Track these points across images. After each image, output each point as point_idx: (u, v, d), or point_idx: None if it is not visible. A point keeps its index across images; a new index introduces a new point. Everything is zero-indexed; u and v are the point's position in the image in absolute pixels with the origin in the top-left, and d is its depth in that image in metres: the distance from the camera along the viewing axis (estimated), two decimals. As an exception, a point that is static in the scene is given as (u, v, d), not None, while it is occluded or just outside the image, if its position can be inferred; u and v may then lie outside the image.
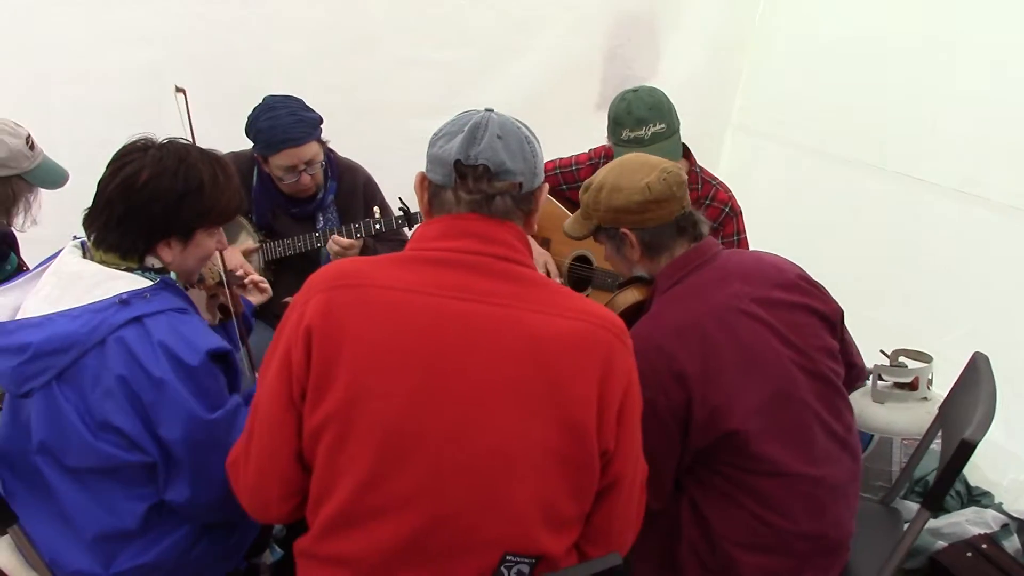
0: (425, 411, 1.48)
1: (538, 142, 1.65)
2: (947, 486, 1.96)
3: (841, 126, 3.92)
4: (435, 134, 1.63)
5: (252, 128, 2.93)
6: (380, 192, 3.24)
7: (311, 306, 1.53)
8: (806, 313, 2.08)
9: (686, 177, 2.14)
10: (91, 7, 3.47)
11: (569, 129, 3.74)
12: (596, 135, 3.34)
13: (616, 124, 2.83)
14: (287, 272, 3.12)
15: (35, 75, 3.46)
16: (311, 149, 2.95)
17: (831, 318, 2.13)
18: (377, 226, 2.98)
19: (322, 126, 3.01)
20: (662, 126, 2.77)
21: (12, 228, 2.65)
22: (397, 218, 2.99)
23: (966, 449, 1.86)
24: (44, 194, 2.83)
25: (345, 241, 2.97)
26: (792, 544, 2.00)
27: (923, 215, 3.57)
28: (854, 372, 2.25)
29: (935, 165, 3.45)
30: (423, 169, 1.65)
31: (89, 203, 1.95)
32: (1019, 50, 3.12)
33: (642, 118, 2.76)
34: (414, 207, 2.93)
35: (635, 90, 2.86)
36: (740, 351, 1.96)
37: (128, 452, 1.82)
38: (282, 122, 2.88)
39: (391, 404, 1.48)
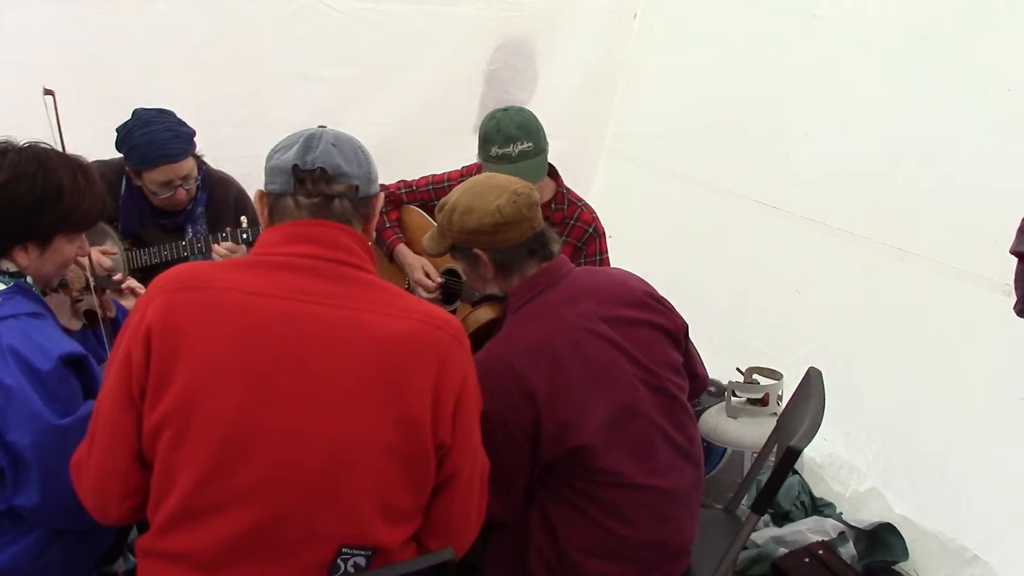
0: (262, 409, 1.53)
1: (369, 154, 1.74)
2: (774, 490, 2.08)
3: (705, 152, 4.09)
4: (272, 150, 1.72)
5: (126, 143, 2.90)
6: (252, 205, 3.24)
7: (152, 307, 1.57)
8: (651, 329, 2.18)
9: (538, 197, 2.21)
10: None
11: (447, 149, 3.79)
12: (474, 155, 3.44)
13: (485, 141, 2.90)
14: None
15: None
16: (187, 164, 2.95)
17: (675, 333, 2.23)
18: (244, 235, 2.99)
19: (195, 139, 3.00)
20: (529, 144, 2.85)
21: None
22: (259, 228, 3.00)
23: (791, 455, 1.99)
24: None
25: (228, 246, 2.96)
26: (635, 551, 2.10)
27: (776, 240, 3.76)
28: (697, 382, 2.37)
29: (788, 192, 3.65)
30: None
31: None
32: (863, 90, 3.33)
33: (510, 136, 2.84)
34: None
35: (505, 109, 2.94)
36: (588, 369, 2.05)
37: None
38: (158, 138, 2.87)
39: (228, 402, 1.53)
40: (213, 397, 1.52)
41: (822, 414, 2.19)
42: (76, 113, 3.25)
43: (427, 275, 3.14)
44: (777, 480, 2.05)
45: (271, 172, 1.70)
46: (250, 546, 1.54)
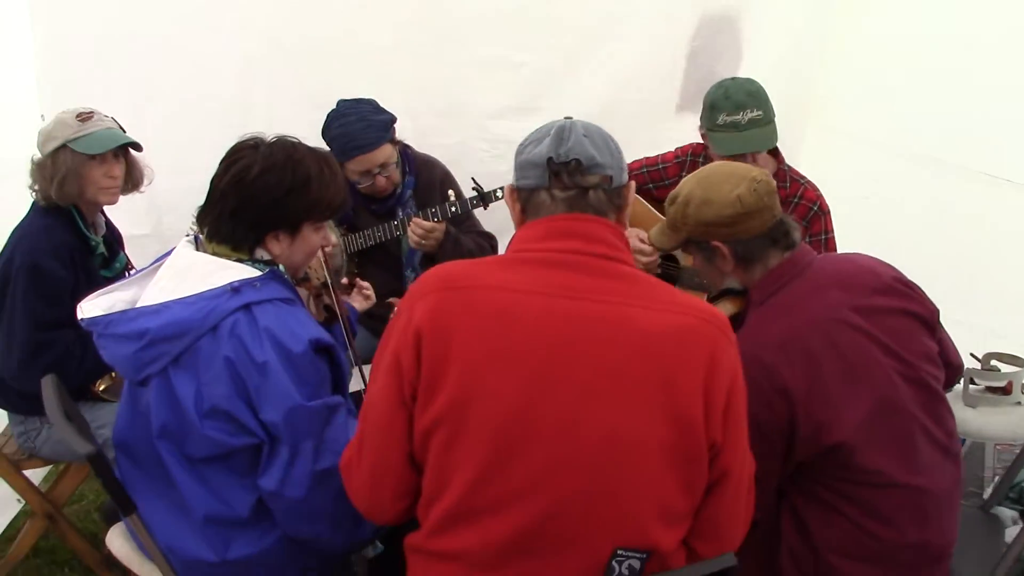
0: (537, 407, 1.51)
1: (618, 145, 1.69)
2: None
3: (925, 124, 3.84)
4: (521, 144, 1.69)
5: (326, 134, 2.99)
6: (457, 184, 3.25)
7: (419, 309, 1.57)
8: (904, 317, 2.06)
9: (775, 184, 2.12)
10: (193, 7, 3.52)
11: (650, 132, 3.76)
12: (677, 137, 3.35)
13: (712, 109, 2.83)
14: (370, 265, 3.17)
15: (136, 79, 3.52)
16: (383, 153, 3.00)
17: (929, 320, 2.11)
18: (453, 208, 3.01)
19: (396, 125, 3.04)
20: (759, 112, 2.77)
21: (102, 204, 2.78)
22: (471, 199, 3.02)
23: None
24: (139, 198, 2.92)
25: (427, 224, 3.00)
26: (896, 554, 1.99)
27: (1009, 215, 3.52)
28: (951, 371, 2.22)
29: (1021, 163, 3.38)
30: (510, 182, 1.71)
31: (191, 205, 2.03)
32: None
33: (740, 103, 2.77)
34: (487, 187, 2.98)
35: (733, 78, 2.90)
36: (842, 364, 1.95)
37: (233, 436, 1.87)
38: (351, 129, 2.94)
39: (503, 401, 1.51)
40: (486, 398, 1.51)
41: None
42: (290, 102, 3.38)
43: (641, 240, 3.04)
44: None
45: (522, 167, 1.67)
46: (525, 545, 1.52)
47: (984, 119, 3.57)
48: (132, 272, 2.14)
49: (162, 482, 1.96)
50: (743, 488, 1.69)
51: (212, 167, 2.01)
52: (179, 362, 1.87)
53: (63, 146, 2.62)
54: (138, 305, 1.93)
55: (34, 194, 2.69)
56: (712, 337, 1.57)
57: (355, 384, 2.28)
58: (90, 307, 1.95)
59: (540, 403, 1.51)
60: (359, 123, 2.95)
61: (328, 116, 3.02)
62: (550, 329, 1.53)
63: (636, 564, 1.54)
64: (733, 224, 2.05)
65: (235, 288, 1.87)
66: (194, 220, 2.67)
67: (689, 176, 2.18)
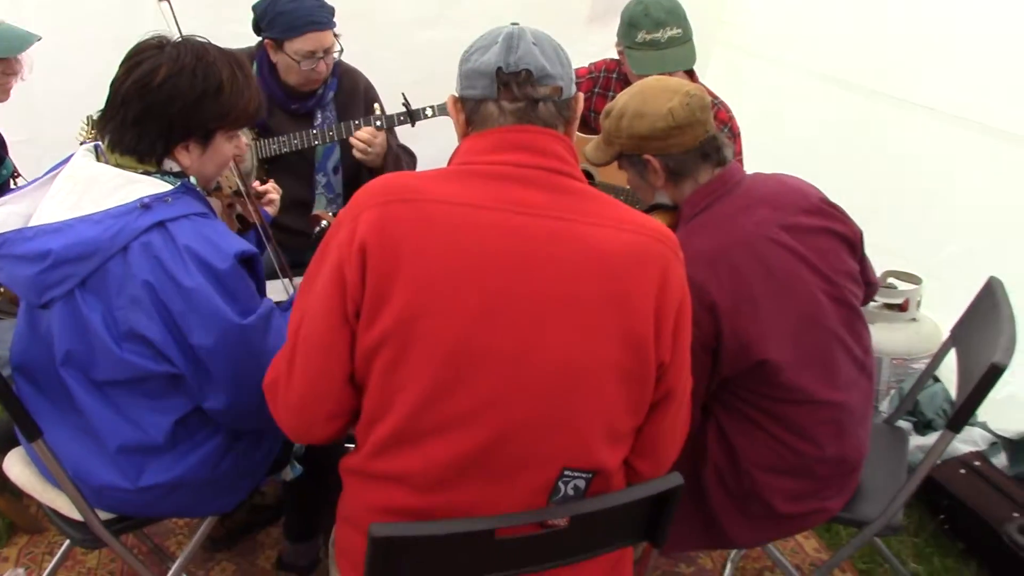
0: (488, 327, 1.46)
1: (567, 54, 1.62)
2: (972, 409, 1.99)
3: (835, 45, 3.88)
4: (466, 51, 1.60)
5: (270, 11, 2.83)
6: (380, 98, 3.16)
7: (363, 221, 1.48)
8: (830, 237, 2.08)
9: (709, 100, 2.09)
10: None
11: (562, 43, 3.67)
12: (588, 50, 3.28)
13: (630, 26, 2.77)
14: (282, 173, 3.02)
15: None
16: (330, 37, 2.89)
17: (852, 240, 2.13)
18: (378, 123, 2.94)
19: None
20: (679, 30, 2.73)
21: None
22: (399, 115, 2.94)
23: (995, 372, 1.89)
24: (13, 100, 2.71)
25: (369, 131, 2.92)
26: (814, 468, 2.03)
27: (911, 136, 3.57)
28: (871, 289, 2.27)
29: (933, 90, 3.44)
30: (452, 92, 1.62)
31: (76, 111, 1.85)
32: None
33: (660, 20, 2.71)
34: (415, 104, 2.89)
35: None
36: (770, 281, 1.96)
37: (154, 362, 1.78)
38: (306, 4, 2.81)
39: (453, 321, 1.45)
40: (436, 315, 1.44)
41: (1014, 326, 2.07)
42: (188, 7, 3.19)
43: None
44: (977, 398, 1.95)
45: (468, 75, 1.58)
46: (471, 467, 1.49)
47: (900, 43, 3.61)
48: (22, 183, 1.96)
49: (67, 408, 1.85)
50: (684, 407, 1.69)
51: (100, 69, 1.84)
52: (86, 285, 1.74)
53: None
54: (35, 222, 1.77)
55: None
56: (664, 256, 1.54)
57: (277, 294, 2.19)
58: None
59: (491, 325, 1.45)
60: (313, 1, 2.83)
61: None
62: (502, 246, 1.47)
63: (581, 484, 1.52)
64: (665, 137, 2.03)
65: (145, 204, 1.73)
66: (84, 126, 2.51)
67: (625, 90, 2.14)
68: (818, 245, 2.04)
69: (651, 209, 2.27)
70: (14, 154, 2.85)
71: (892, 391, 3.26)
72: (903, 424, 2.97)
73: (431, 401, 1.46)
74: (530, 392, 1.47)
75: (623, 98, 2.10)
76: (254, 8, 2.87)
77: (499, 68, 1.53)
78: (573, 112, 1.63)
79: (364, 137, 2.93)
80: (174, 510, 2.03)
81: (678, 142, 2.03)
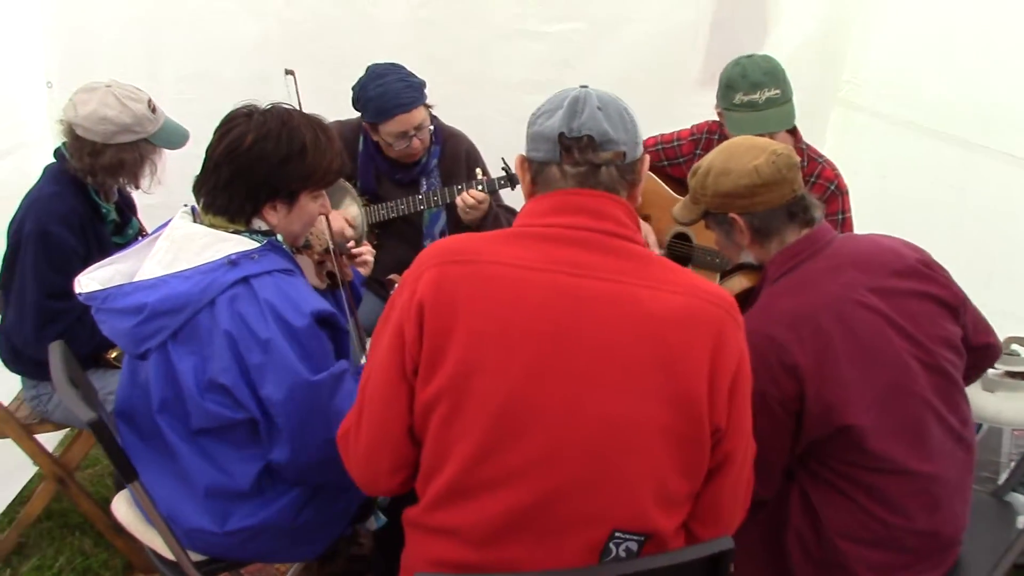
0: (538, 386, 1.49)
1: (635, 117, 1.64)
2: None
3: (952, 103, 3.75)
4: (533, 114, 1.65)
5: (361, 97, 2.97)
6: (482, 160, 3.25)
7: (423, 281, 1.54)
8: (925, 301, 2.02)
9: (798, 159, 2.08)
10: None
11: (671, 106, 3.70)
12: (698, 112, 3.28)
13: (728, 88, 2.78)
14: (391, 237, 3.16)
15: (151, 46, 3.56)
16: (420, 114, 2.99)
17: (951, 304, 2.06)
18: (480, 187, 3.02)
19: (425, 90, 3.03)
20: (777, 92, 2.72)
21: (140, 189, 2.74)
22: (499, 179, 3.02)
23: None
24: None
25: (478, 195, 2.99)
26: (904, 540, 1.96)
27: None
28: (991, 351, 2.20)
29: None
30: (522, 151, 1.67)
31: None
32: None
33: (757, 82, 2.71)
34: (511, 161, 2.95)
35: (750, 56, 2.82)
36: (855, 344, 1.91)
37: (232, 411, 1.88)
38: (392, 88, 2.92)
39: (505, 378, 1.49)
40: (488, 373, 1.49)
41: None
42: (307, 79, 3.38)
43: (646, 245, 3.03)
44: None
45: (534, 138, 1.63)
46: (522, 524, 1.51)
47: (1011, 100, 3.48)
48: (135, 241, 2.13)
49: (163, 453, 1.97)
50: (745, 473, 1.67)
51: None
52: (177, 337, 1.87)
53: (142, 139, 2.61)
54: (136, 279, 1.92)
55: (60, 161, 2.67)
56: (719, 320, 1.54)
57: (361, 356, 2.27)
58: (87, 281, 1.94)
59: (541, 383, 1.49)
60: (399, 83, 2.94)
61: (361, 80, 2.99)
62: (554, 307, 1.50)
63: (634, 546, 1.52)
64: (750, 195, 2.02)
65: (232, 261, 1.86)
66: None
67: (715, 148, 2.15)
68: (910, 309, 1.98)
69: (737, 269, 2.26)
70: (149, 216, 3.05)
71: (1013, 464, 3.08)
72: (1020, 498, 2.81)
73: (483, 457, 1.50)
74: (578, 450, 1.48)
75: (710, 156, 2.11)
76: (353, 88, 3.01)
77: (562, 133, 1.57)
78: (637, 175, 1.65)
79: (470, 201, 3.01)
80: (259, 554, 2.11)
81: (764, 200, 2.03)
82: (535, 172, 1.64)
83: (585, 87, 1.64)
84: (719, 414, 1.53)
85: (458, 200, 3.04)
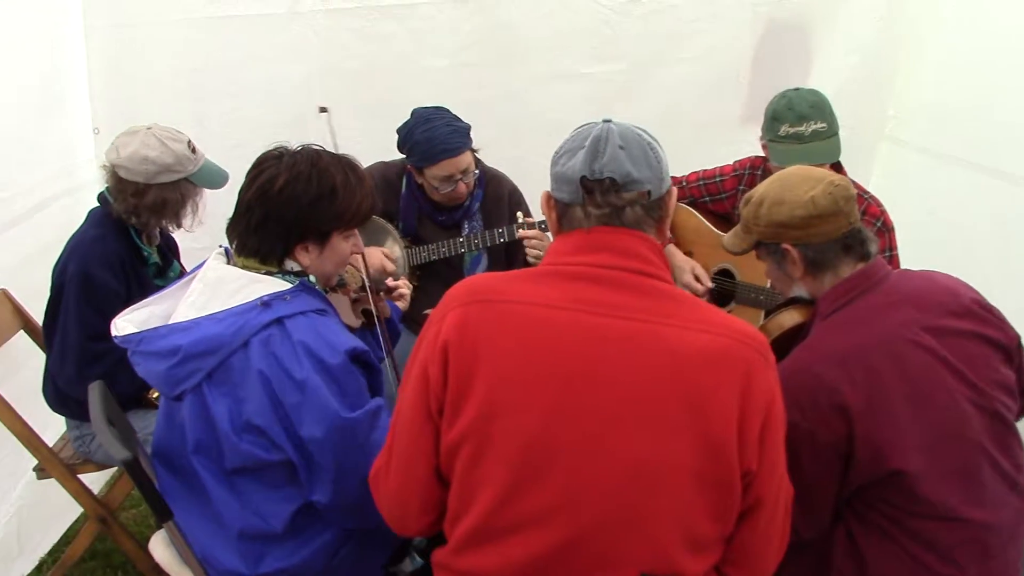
0: (562, 426, 1.46)
1: (660, 146, 1.61)
2: None
3: (998, 138, 3.68)
4: (556, 152, 1.63)
5: (408, 141, 2.97)
6: (524, 201, 3.24)
7: (447, 322, 1.54)
8: (980, 343, 1.95)
9: (855, 192, 2.04)
10: (247, 24, 3.61)
11: (714, 143, 3.69)
12: (741, 148, 3.26)
13: (774, 120, 2.76)
14: (432, 279, 3.15)
15: (196, 91, 3.63)
16: (467, 158, 2.99)
17: (1007, 346, 1.99)
18: (542, 227, 2.99)
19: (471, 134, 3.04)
20: (823, 125, 2.69)
21: (182, 228, 2.78)
22: (540, 223, 3.00)
23: None
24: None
25: (536, 233, 2.97)
26: (954, 589, 1.88)
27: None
28: None
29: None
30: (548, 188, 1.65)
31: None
32: None
33: (803, 114, 2.69)
34: None
35: (796, 89, 2.81)
36: (908, 386, 1.86)
37: (267, 452, 1.87)
38: (439, 133, 2.91)
39: (528, 419, 1.47)
40: (512, 414, 1.47)
41: None
42: (348, 120, 3.41)
43: (697, 278, 3.00)
44: None
45: (557, 179, 1.61)
46: (547, 569, 1.48)
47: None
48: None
49: (198, 494, 1.96)
50: (778, 516, 1.61)
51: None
52: (212, 378, 1.87)
53: (184, 179, 2.65)
54: (171, 321, 1.93)
55: (103, 205, 2.71)
56: (748, 359, 1.49)
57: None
58: (123, 324, 1.96)
59: (565, 425, 1.46)
60: (445, 128, 2.93)
61: (407, 124, 2.99)
62: (577, 347, 1.48)
63: None
64: (805, 226, 1.98)
65: (265, 302, 1.86)
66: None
67: (768, 178, 2.11)
68: (966, 350, 1.92)
69: (789, 303, 2.21)
70: (192, 259, 3.08)
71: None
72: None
73: (508, 499, 1.47)
74: (602, 492, 1.45)
75: (764, 186, 2.07)
76: (398, 132, 3.01)
77: (583, 176, 1.54)
78: (664, 211, 1.62)
79: (532, 240, 2.98)
80: (293, 597, 2.10)
81: (819, 232, 1.98)
82: (560, 212, 1.62)
83: (608, 121, 1.61)
84: (750, 457, 1.49)
85: (527, 243, 2.99)
